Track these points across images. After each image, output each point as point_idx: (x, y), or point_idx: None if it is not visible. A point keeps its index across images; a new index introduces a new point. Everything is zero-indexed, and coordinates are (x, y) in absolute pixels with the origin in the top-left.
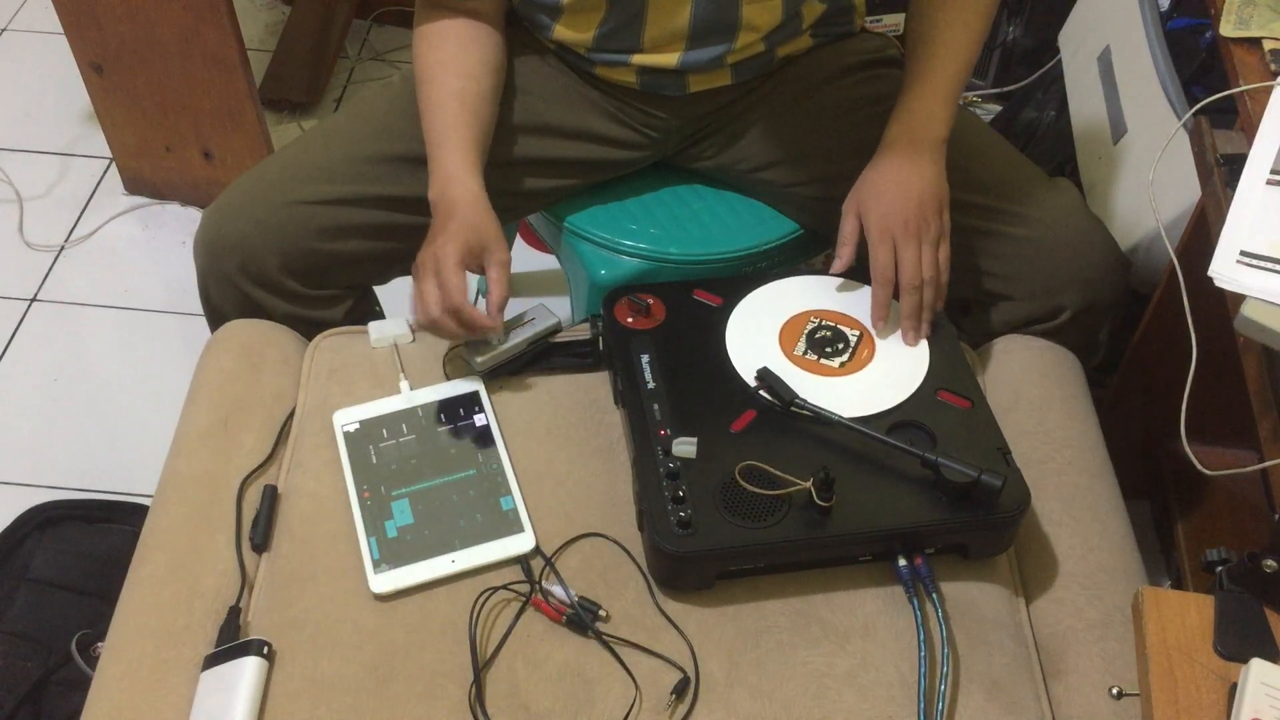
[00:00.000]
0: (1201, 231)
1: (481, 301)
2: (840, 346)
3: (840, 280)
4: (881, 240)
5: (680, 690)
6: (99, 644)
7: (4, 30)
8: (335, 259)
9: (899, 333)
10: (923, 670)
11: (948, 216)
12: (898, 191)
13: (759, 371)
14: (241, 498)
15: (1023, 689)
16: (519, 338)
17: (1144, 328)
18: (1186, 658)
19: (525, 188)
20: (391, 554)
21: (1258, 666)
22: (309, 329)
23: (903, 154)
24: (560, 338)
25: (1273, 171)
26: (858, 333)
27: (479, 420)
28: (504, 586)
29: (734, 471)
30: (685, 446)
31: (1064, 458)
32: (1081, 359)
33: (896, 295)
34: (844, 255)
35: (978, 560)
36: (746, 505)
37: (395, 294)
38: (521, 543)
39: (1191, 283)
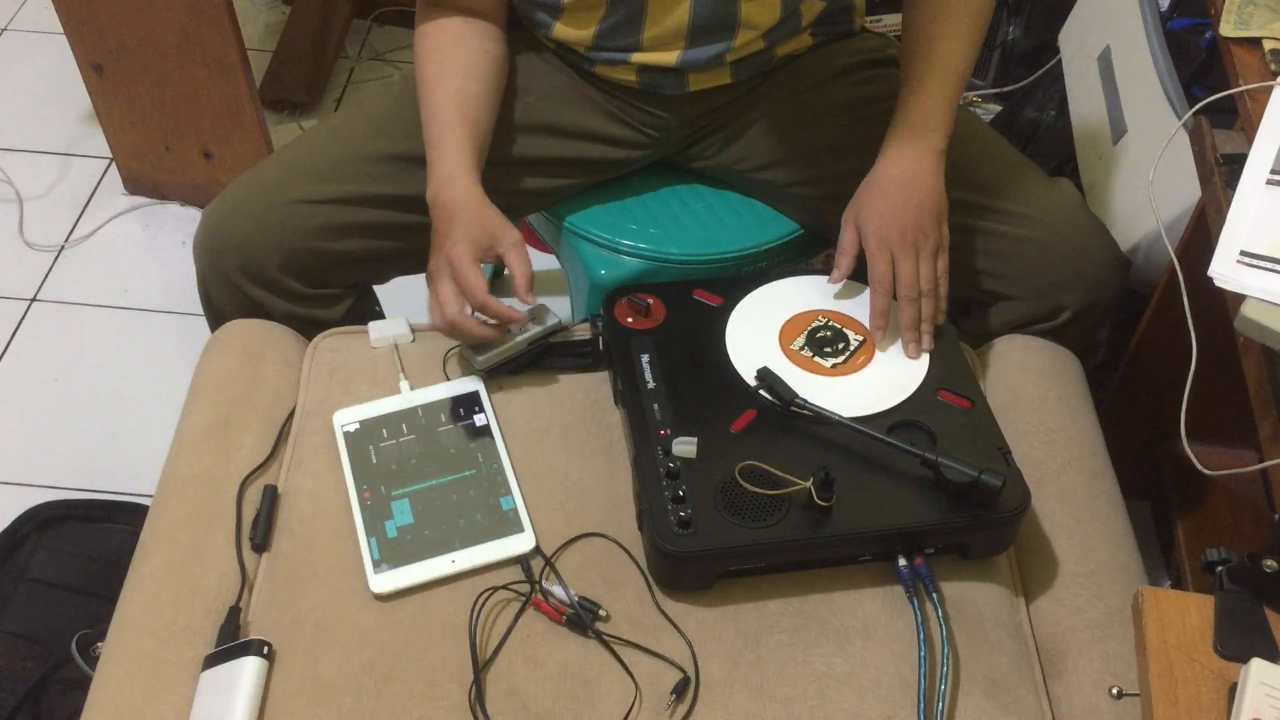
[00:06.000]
0: (1201, 231)
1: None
2: (840, 346)
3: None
4: (879, 251)
5: (680, 690)
6: (99, 644)
7: (4, 30)
8: (335, 258)
9: (902, 350)
10: (923, 670)
11: (946, 228)
12: (896, 203)
13: (759, 371)
14: (241, 498)
15: (1023, 689)
16: (519, 338)
17: (1144, 328)
18: (1186, 658)
19: (525, 187)
20: (391, 554)
21: (1258, 666)
22: (309, 328)
23: (901, 165)
24: (560, 338)
25: (1273, 171)
26: (857, 333)
27: (479, 420)
28: (504, 586)
29: (734, 471)
30: (685, 446)
31: (1064, 458)
32: (1081, 359)
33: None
34: (842, 266)
35: (978, 560)
36: (746, 505)
37: (395, 294)
38: (521, 543)
39: (1191, 283)
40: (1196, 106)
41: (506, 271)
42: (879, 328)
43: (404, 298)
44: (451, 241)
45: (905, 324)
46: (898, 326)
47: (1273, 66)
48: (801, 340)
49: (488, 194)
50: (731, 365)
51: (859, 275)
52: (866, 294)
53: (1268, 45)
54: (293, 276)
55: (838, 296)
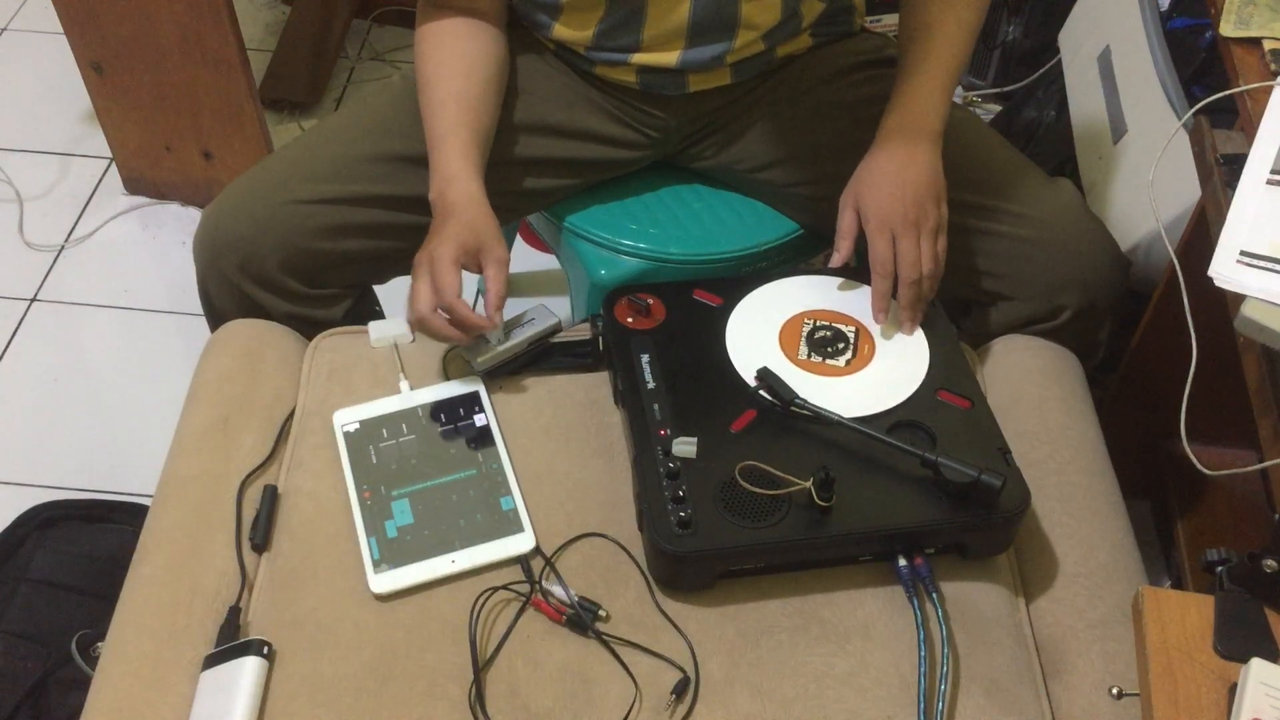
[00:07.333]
0: (1201, 231)
1: (483, 302)
2: (840, 346)
3: (841, 279)
4: (880, 232)
5: (680, 690)
6: (99, 644)
7: (4, 30)
8: (335, 258)
9: (899, 332)
10: (923, 670)
11: (945, 207)
12: (895, 183)
13: (759, 371)
14: (241, 498)
15: (1023, 689)
16: (519, 338)
17: (1144, 328)
18: (1186, 658)
19: (525, 187)
20: (391, 554)
21: (1258, 666)
22: (309, 328)
23: (899, 146)
24: (560, 338)
25: (1273, 171)
26: (858, 332)
27: (479, 420)
28: (504, 586)
29: (734, 471)
30: (685, 446)
31: (1064, 458)
32: (1081, 359)
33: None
34: (843, 249)
35: (978, 560)
36: (746, 505)
37: (395, 294)
38: (521, 543)
39: (1191, 283)
40: (1196, 106)
41: (479, 288)
42: (881, 310)
43: (404, 298)
44: (439, 239)
45: (905, 304)
46: (896, 310)
47: (1273, 66)
48: (801, 340)
49: (488, 194)
50: (731, 365)
51: (860, 269)
52: (867, 291)
53: (1268, 45)
54: (293, 276)
55: (839, 295)
